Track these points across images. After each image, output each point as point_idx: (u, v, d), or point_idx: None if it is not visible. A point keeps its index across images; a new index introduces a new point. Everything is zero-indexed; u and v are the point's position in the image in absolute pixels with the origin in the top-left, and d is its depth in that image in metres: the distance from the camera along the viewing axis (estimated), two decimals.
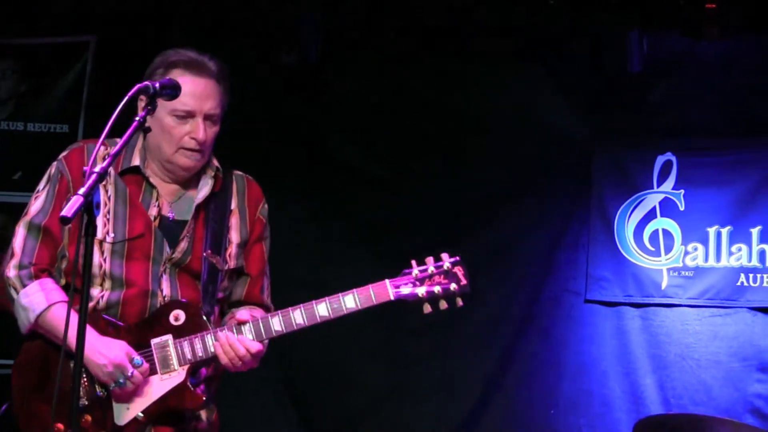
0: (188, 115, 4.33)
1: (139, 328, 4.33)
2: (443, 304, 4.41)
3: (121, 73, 7.28)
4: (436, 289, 4.40)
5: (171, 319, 4.32)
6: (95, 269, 4.33)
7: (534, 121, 7.35)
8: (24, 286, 4.31)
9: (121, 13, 7.46)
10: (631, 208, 7.19)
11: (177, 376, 4.29)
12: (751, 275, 6.88)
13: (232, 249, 4.51)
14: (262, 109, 7.62)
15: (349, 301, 4.33)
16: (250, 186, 4.65)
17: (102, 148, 4.36)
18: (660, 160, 7.15)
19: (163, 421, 4.31)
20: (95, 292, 4.33)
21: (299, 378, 7.60)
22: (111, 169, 4.35)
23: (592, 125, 7.34)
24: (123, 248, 4.35)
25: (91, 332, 4.21)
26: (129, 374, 4.21)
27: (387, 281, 4.39)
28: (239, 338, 4.29)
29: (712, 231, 7.00)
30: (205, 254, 4.41)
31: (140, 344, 4.29)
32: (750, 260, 6.90)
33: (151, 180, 4.43)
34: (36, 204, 4.43)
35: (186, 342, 4.30)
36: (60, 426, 4.16)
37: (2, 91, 7.76)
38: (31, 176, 7.50)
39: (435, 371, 7.36)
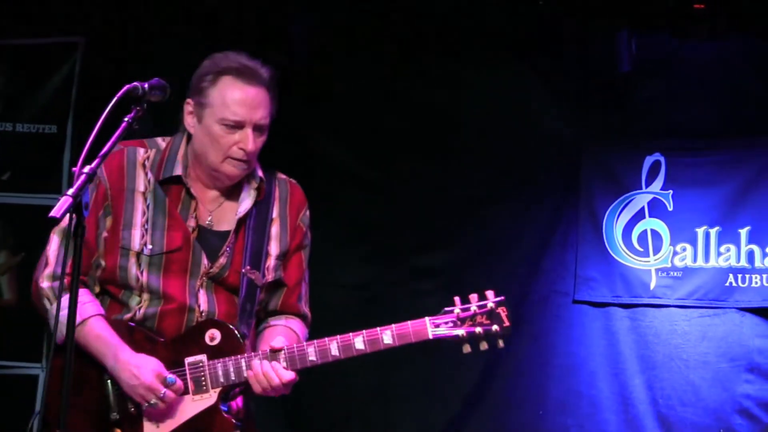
0: (237, 125, 4.25)
1: (175, 344, 4.27)
2: (483, 345, 4.28)
3: (110, 73, 7.29)
4: (478, 330, 4.26)
5: (207, 338, 4.26)
6: (132, 281, 4.28)
7: (522, 121, 7.36)
8: (57, 298, 4.13)
9: (110, 14, 7.44)
10: (620, 209, 7.19)
11: (209, 398, 4.24)
12: (739, 276, 6.90)
13: (271, 261, 4.44)
14: None
15: (387, 337, 4.24)
16: (293, 192, 4.57)
17: (142, 150, 4.38)
18: (648, 160, 7.16)
19: None
20: (133, 303, 4.30)
21: None
22: (151, 177, 4.32)
23: (580, 125, 7.34)
24: (161, 261, 4.29)
25: (124, 349, 4.19)
26: (161, 395, 4.15)
27: (427, 319, 4.27)
28: (273, 366, 4.22)
29: (700, 231, 7.01)
30: (243, 270, 4.34)
31: (175, 361, 4.24)
32: (738, 261, 6.91)
33: (193, 187, 4.35)
34: None
35: (220, 364, 4.24)
36: None
37: None
38: (19, 176, 7.56)
39: (422, 372, 7.35)
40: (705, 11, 6.68)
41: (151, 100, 3.89)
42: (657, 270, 7.08)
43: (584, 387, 7.14)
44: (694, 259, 7.02)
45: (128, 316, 4.29)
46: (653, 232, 7.11)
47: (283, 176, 4.59)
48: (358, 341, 4.25)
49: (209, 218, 4.38)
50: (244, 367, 4.24)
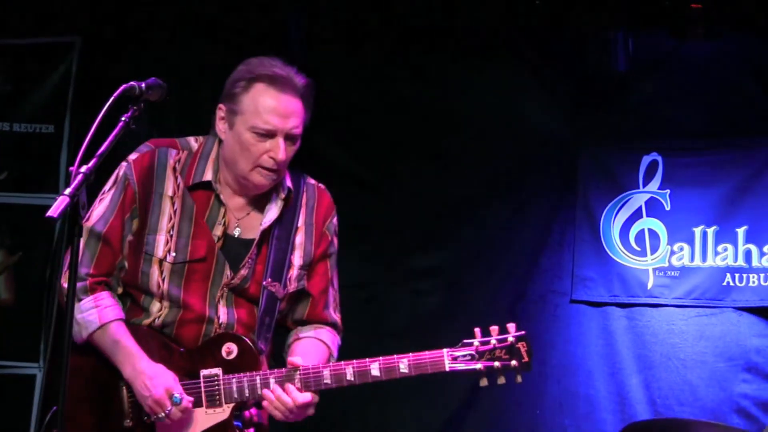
0: (268, 134, 4.20)
1: (192, 355, 4.26)
2: (501, 380, 4.23)
3: (106, 73, 7.29)
4: (496, 364, 4.21)
5: (223, 352, 4.24)
6: (153, 287, 4.27)
7: (519, 120, 7.36)
8: (79, 300, 4.21)
9: (107, 14, 7.44)
10: (617, 208, 7.19)
11: (222, 413, 4.22)
12: (737, 275, 6.90)
13: (294, 272, 4.40)
14: None
15: (403, 366, 4.21)
16: (321, 198, 4.53)
17: (174, 152, 4.34)
18: (645, 160, 7.16)
19: None
20: (154, 309, 4.29)
21: None
22: (181, 182, 4.29)
23: (577, 125, 7.34)
24: (183, 269, 4.27)
25: (141, 358, 4.19)
26: (167, 411, 4.14)
27: (445, 351, 4.24)
28: (287, 388, 4.18)
29: (698, 231, 7.01)
30: (265, 282, 4.31)
31: (191, 373, 4.24)
32: (736, 260, 6.91)
33: (222, 194, 4.31)
34: (99, 209, 4.31)
35: (234, 380, 4.22)
36: None
37: None
38: (17, 176, 7.55)
39: None
40: (702, 11, 6.68)
41: (148, 99, 3.86)
42: (654, 269, 7.07)
43: (581, 386, 7.14)
44: (692, 259, 7.01)
45: (148, 321, 4.29)
46: (650, 231, 7.11)
47: (312, 181, 4.56)
48: (374, 368, 4.21)
49: (237, 226, 4.35)
50: (258, 385, 4.21)
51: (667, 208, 7.09)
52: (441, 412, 7.32)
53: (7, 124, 7.65)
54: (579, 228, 7.26)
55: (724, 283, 6.91)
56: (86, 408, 4.24)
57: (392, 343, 7.33)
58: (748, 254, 6.89)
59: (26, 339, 7.31)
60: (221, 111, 4.28)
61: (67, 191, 3.46)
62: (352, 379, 4.22)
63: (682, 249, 7.03)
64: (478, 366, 4.21)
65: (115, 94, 3.75)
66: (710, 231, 6.98)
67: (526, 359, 4.22)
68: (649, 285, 7.06)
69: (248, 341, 4.26)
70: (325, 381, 4.22)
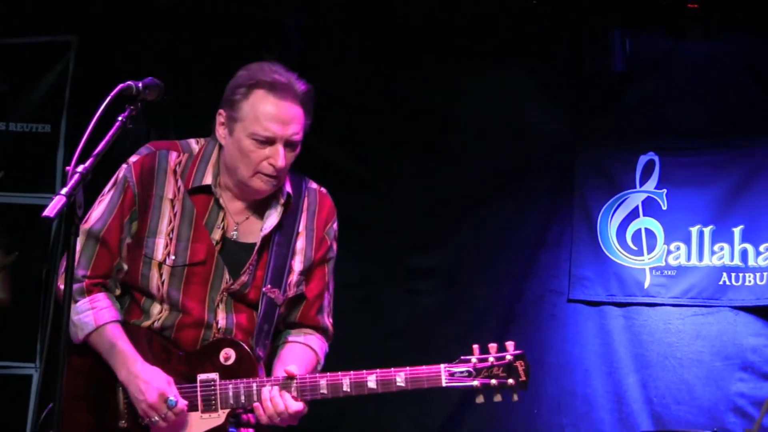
0: (268, 141, 4.17)
1: (190, 359, 4.24)
2: (497, 398, 4.18)
3: (103, 72, 7.28)
4: (493, 382, 4.15)
5: (221, 357, 4.22)
6: (153, 290, 4.25)
7: (516, 120, 7.36)
8: (75, 301, 4.18)
9: (104, 13, 7.43)
10: (614, 208, 7.20)
11: (217, 418, 4.20)
12: (733, 274, 6.91)
13: (294, 277, 4.37)
14: None
15: (400, 380, 4.16)
16: (322, 203, 4.50)
17: (174, 155, 4.31)
18: (642, 159, 7.16)
19: None
20: (155, 311, 4.27)
21: None
22: (181, 185, 4.27)
23: (574, 125, 7.35)
24: (182, 273, 4.24)
25: (137, 361, 4.18)
26: (162, 415, 4.13)
27: (442, 367, 4.18)
28: (282, 394, 4.16)
29: (694, 230, 7.01)
30: (264, 289, 4.29)
31: (189, 377, 4.22)
32: (732, 259, 6.92)
33: (221, 198, 4.29)
34: (97, 210, 4.29)
35: (231, 386, 4.20)
36: None
37: None
38: (13, 176, 7.54)
39: None
40: (699, 10, 6.68)
41: (145, 98, 3.84)
42: (651, 269, 7.08)
43: (579, 386, 7.15)
44: (688, 258, 7.02)
45: (147, 323, 4.27)
46: (647, 231, 7.12)
47: (314, 185, 4.54)
48: (371, 381, 4.18)
49: (235, 230, 4.33)
50: (255, 392, 4.19)
51: (664, 208, 7.10)
52: (438, 411, 7.32)
53: (3, 123, 7.63)
54: (576, 227, 7.27)
55: (721, 283, 6.93)
56: (83, 406, 4.23)
57: (390, 342, 7.35)
58: (744, 254, 6.90)
59: (23, 339, 7.30)
60: (221, 117, 4.25)
61: (64, 191, 3.43)
62: (349, 390, 4.19)
63: (678, 248, 7.04)
64: (475, 383, 4.17)
65: (112, 94, 3.72)
66: (707, 230, 6.99)
67: (523, 378, 4.18)
68: (646, 284, 7.07)
69: (246, 347, 4.24)
70: (321, 391, 4.20)
